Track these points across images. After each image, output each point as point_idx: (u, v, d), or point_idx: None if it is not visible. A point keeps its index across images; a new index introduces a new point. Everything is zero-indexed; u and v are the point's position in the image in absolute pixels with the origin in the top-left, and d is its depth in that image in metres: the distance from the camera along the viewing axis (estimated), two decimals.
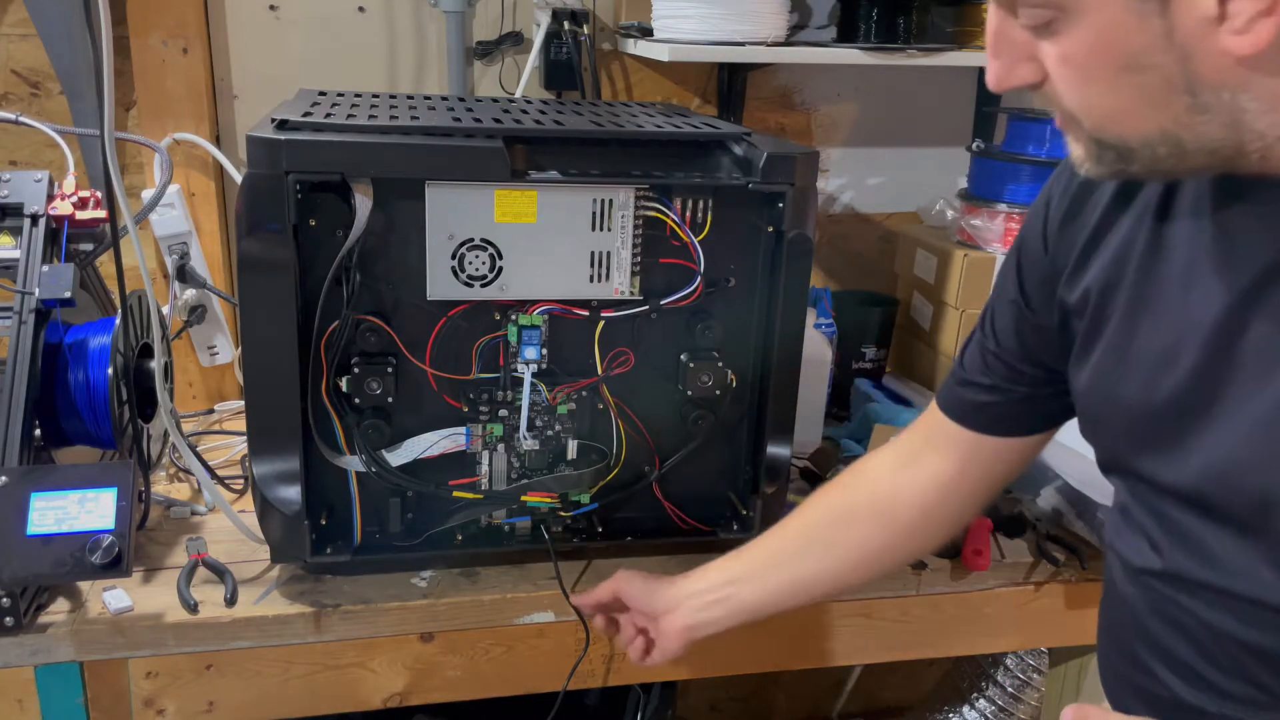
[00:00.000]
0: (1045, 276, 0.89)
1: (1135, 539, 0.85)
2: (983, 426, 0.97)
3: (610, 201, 1.10)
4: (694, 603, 1.08)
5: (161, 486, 1.40)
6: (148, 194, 1.48)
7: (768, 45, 1.58)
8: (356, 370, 1.10)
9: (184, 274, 1.58)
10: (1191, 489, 0.78)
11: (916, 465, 1.01)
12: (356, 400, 1.11)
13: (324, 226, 1.06)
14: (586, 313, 1.14)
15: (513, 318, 1.14)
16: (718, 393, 1.19)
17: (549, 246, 1.10)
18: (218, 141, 1.64)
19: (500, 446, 1.19)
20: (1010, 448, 0.98)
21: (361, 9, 1.66)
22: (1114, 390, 0.82)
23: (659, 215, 1.12)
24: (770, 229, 1.17)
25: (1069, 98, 0.69)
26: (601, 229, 1.11)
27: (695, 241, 1.14)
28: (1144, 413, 0.80)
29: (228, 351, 1.70)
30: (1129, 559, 0.85)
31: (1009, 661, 1.70)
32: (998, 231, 1.67)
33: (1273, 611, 0.75)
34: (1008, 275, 0.94)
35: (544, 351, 1.15)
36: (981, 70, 1.89)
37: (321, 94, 1.33)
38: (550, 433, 1.20)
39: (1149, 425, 0.80)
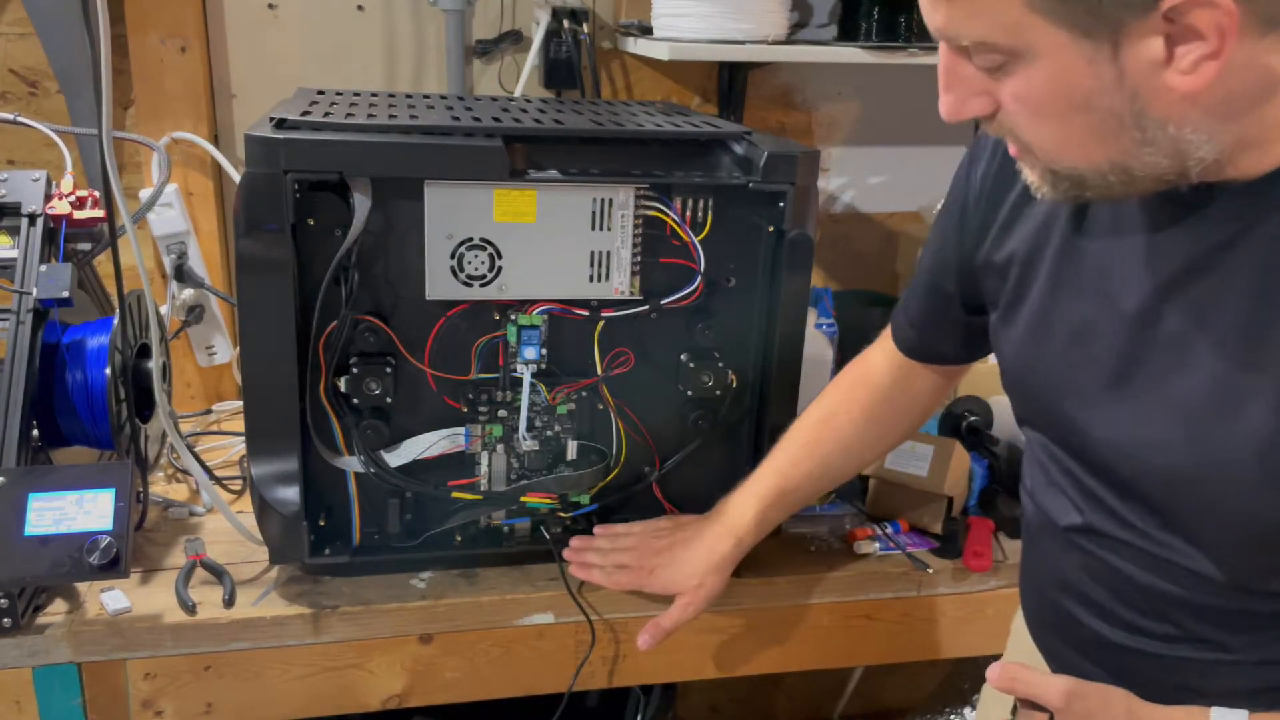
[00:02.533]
0: (973, 231, 0.94)
1: (1056, 496, 0.90)
2: (923, 357, 1.10)
3: (610, 201, 1.10)
4: (753, 536, 1.15)
5: (160, 487, 1.40)
6: (146, 193, 1.47)
7: (768, 44, 1.58)
8: (355, 370, 1.09)
9: (182, 274, 1.58)
10: (1100, 460, 0.83)
11: (913, 373, 1.12)
12: (355, 400, 1.10)
13: (322, 226, 1.05)
14: (586, 313, 1.14)
15: (512, 318, 1.14)
16: (718, 393, 1.18)
17: (548, 246, 1.10)
18: (216, 141, 1.64)
19: (499, 447, 1.19)
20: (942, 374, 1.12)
21: (360, 8, 1.66)
22: (1033, 357, 0.88)
23: (659, 215, 1.12)
24: (771, 228, 1.16)
25: (1023, 133, 0.72)
26: (601, 228, 1.11)
27: (695, 241, 1.13)
28: (1059, 384, 0.85)
29: (226, 351, 1.70)
30: (1051, 514, 0.91)
31: None
32: None
33: (1184, 569, 0.80)
34: (944, 222, 0.99)
35: (543, 351, 1.15)
36: None
37: (320, 93, 1.32)
38: (550, 433, 1.19)
39: (1063, 396, 0.85)
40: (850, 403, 1.15)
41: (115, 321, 1.23)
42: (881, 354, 1.14)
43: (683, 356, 1.18)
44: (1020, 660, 0.95)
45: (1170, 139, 0.68)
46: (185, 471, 1.41)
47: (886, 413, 1.14)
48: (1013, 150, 0.76)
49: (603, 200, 1.10)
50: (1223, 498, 0.75)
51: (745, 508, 1.14)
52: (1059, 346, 0.84)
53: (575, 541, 1.20)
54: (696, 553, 1.13)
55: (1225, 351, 0.73)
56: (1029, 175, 0.76)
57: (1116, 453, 0.81)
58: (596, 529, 1.21)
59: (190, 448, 1.26)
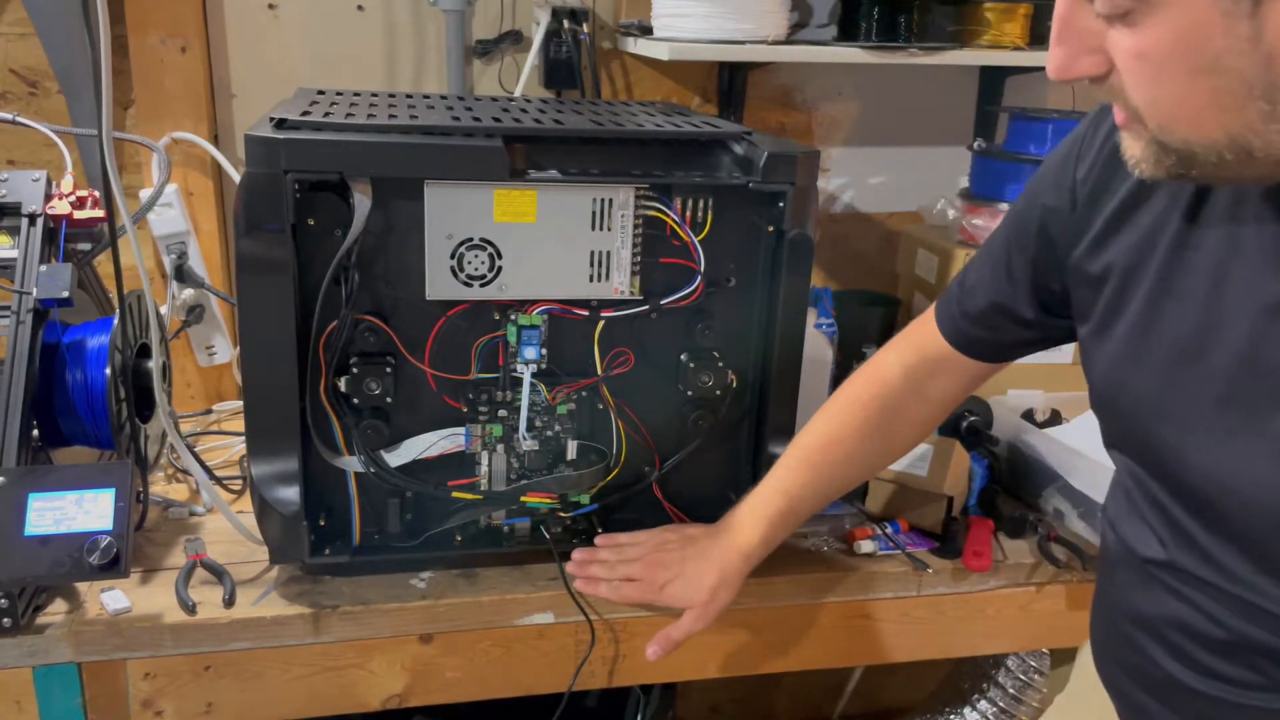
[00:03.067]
0: (1067, 235, 0.88)
1: (1138, 526, 0.85)
2: (989, 358, 1.05)
3: (610, 201, 1.10)
4: (761, 553, 1.14)
5: (160, 487, 1.40)
6: (146, 193, 1.47)
7: (768, 44, 1.58)
8: (355, 370, 1.09)
9: (182, 274, 1.58)
10: (1194, 492, 0.77)
11: (919, 370, 1.10)
12: (355, 400, 1.10)
13: (322, 226, 1.05)
14: (586, 313, 1.14)
15: (512, 318, 1.14)
16: (718, 393, 1.18)
17: (548, 246, 1.10)
18: (216, 141, 1.64)
19: (500, 447, 1.19)
20: (978, 369, 1.07)
21: (360, 8, 1.66)
22: (1129, 375, 0.81)
23: (659, 215, 1.12)
24: (771, 228, 1.16)
25: (1137, 95, 0.66)
26: (601, 229, 1.11)
27: (695, 241, 1.13)
28: (1157, 405, 0.79)
29: (226, 351, 1.70)
30: (1131, 545, 0.86)
31: (1010, 663, 1.69)
32: None
33: (1274, 617, 0.75)
34: (1024, 223, 0.95)
35: (543, 351, 1.15)
36: (982, 69, 1.89)
37: (320, 93, 1.33)
38: (550, 433, 1.19)
39: (1160, 419, 0.79)
40: (858, 413, 1.12)
41: (115, 321, 1.23)
42: (895, 356, 1.12)
43: (683, 356, 1.18)
44: (1083, 696, 0.93)
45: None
46: (185, 471, 1.41)
47: (896, 420, 1.12)
48: (1119, 118, 0.70)
49: (603, 200, 1.10)
50: None
51: (753, 527, 1.13)
52: (1159, 364, 0.78)
53: (578, 555, 1.20)
54: (707, 568, 1.13)
55: None
56: (1131, 149, 0.70)
57: (1214, 485, 0.75)
58: (599, 539, 1.21)
59: (190, 448, 1.26)
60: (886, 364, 1.12)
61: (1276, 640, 0.75)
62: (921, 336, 1.10)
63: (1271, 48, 0.59)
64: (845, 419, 1.13)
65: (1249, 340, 0.71)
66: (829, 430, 1.14)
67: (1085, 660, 1.02)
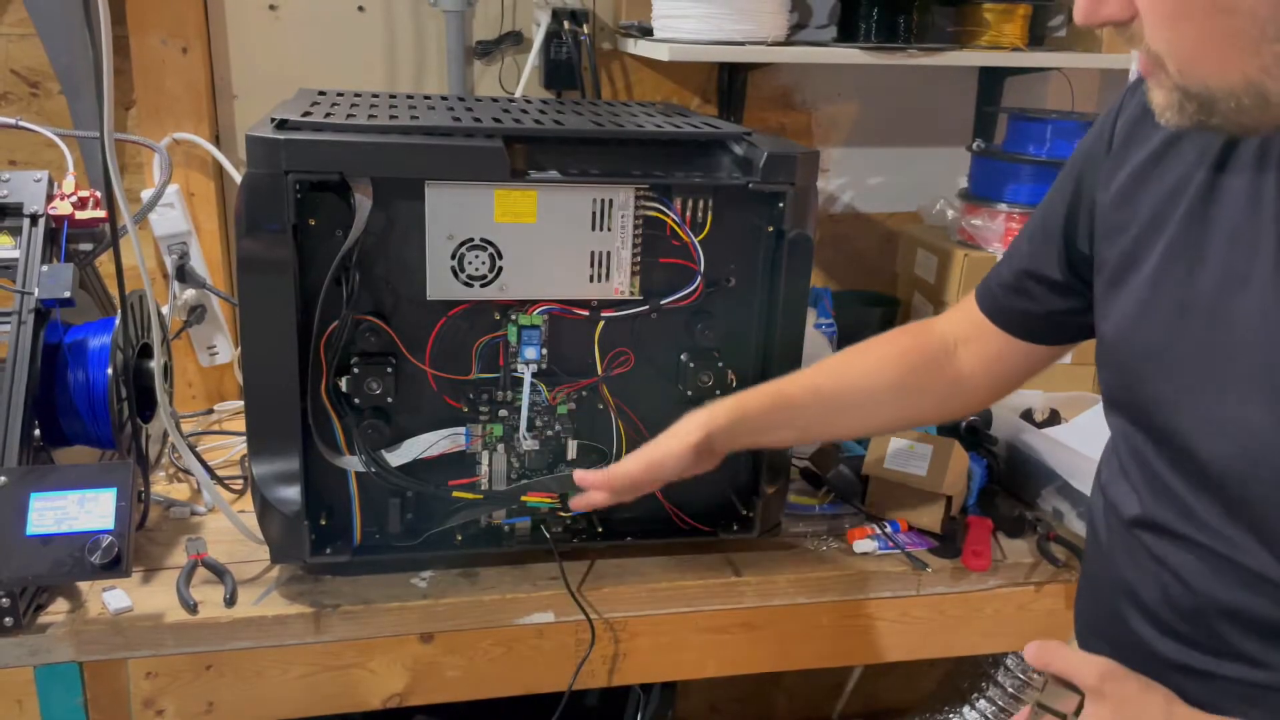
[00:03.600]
0: (1100, 179, 0.89)
1: (1121, 484, 0.87)
2: (1018, 332, 1.01)
3: (610, 201, 1.10)
4: (725, 421, 1.05)
5: (161, 487, 1.40)
6: (147, 194, 1.47)
7: (768, 45, 1.58)
8: (356, 370, 1.10)
9: (183, 274, 1.58)
10: (1180, 442, 0.79)
11: (971, 344, 1.05)
12: (356, 400, 1.11)
13: (324, 226, 1.06)
14: (586, 313, 1.14)
15: (512, 318, 1.14)
16: (718, 393, 1.18)
17: (549, 246, 1.10)
18: (217, 141, 1.64)
19: (500, 446, 1.19)
20: (1026, 351, 1.02)
21: (361, 9, 1.66)
22: (1135, 327, 0.83)
23: (659, 215, 1.12)
24: (770, 229, 1.17)
25: (1157, 37, 0.68)
26: (601, 229, 1.11)
27: (695, 241, 1.13)
28: (1157, 356, 0.80)
29: (227, 351, 1.70)
30: (1116, 505, 0.87)
31: (1009, 662, 1.70)
32: (998, 231, 1.67)
33: (1245, 570, 0.76)
34: (1066, 173, 0.94)
35: (544, 351, 1.15)
36: (982, 70, 1.89)
37: (321, 93, 1.33)
38: (550, 433, 1.20)
39: (1158, 371, 0.80)
40: (896, 342, 1.09)
41: (117, 321, 1.23)
42: (940, 317, 1.09)
43: (683, 356, 1.18)
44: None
45: None
46: (187, 471, 1.41)
47: (931, 370, 1.07)
48: (1143, 66, 0.71)
49: (603, 201, 1.10)
50: None
51: (725, 400, 1.06)
52: (1164, 317, 0.80)
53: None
54: (664, 438, 1.05)
55: None
56: (1156, 97, 0.72)
57: (1201, 431, 0.77)
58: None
59: (192, 447, 1.26)
60: (928, 321, 1.10)
61: (1240, 599, 0.77)
62: (968, 304, 1.07)
63: None
64: (880, 342, 1.10)
65: (1260, 299, 0.73)
66: (858, 348, 1.10)
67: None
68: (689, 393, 1.18)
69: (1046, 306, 0.98)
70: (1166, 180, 0.82)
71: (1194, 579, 0.80)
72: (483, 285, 1.10)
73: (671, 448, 1.03)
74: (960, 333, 1.06)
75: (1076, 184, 0.93)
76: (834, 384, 1.07)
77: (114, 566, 1.04)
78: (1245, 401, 0.74)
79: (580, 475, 1.05)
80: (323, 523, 1.16)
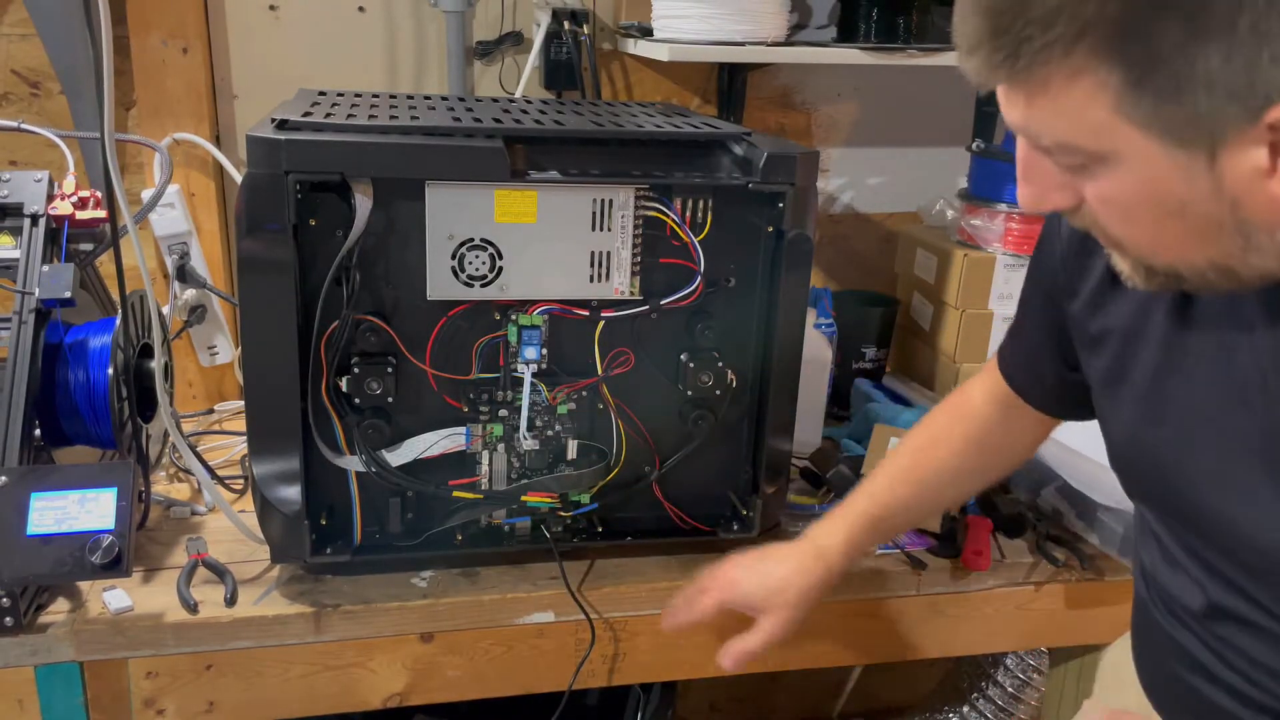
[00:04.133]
0: (1061, 289, 0.88)
1: (1176, 574, 0.84)
2: (1054, 411, 1.02)
3: (610, 201, 1.10)
4: (843, 560, 1.07)
5: (161, 486, 1.40)
6: (148, 194, 1.48)
7: (768, 45, 1.58)
8: (356, 370, 1.10)
9: (184, 274, 1.58)
10: (1225, 543, 0.77)
11: (1014, 408, 1.05)
12: (356, 400, 1.11)
13: (324, 226, 1.06)
14: (586, 313, 1.14)
15: (513, 318, 1.14)
16: (718, 393, 1.19)
17: (549, 246, 1.10)
18: (218, 141, 1.64)
19: (500, 446, 1.19)
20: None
21: (361, 9, 1.66)
22: (1146, 437, 0.80)
23: (659, 215, 1.12)
24: (770, 229, 1.17)
25: (1111, 231, 0.66)
26: (601, 229, 1.11)
27: (695, 241, 1.14)
28: (1179, 463, 0.78)
29: (228, 351, 1.70)
30: (1171, 591, 0.85)
31: (1009, 661, 1.70)
32: (998, 231, 1.67)
33: None
34: (1031, 283, 0.95)
35: (544, 351, 1.15)
36: None
37: (321, 94, 1.33)
38: (550, 433, 1.20)
39: (1183, 477, 0.78)
40: (950, 431, 1.09)
41: (117, 321, 1.23)
42: (981, 387, 1.08)
43: (683, 356, 1.19)
44: (1122, 706, 0.93)
45: (1276, 244, 0.61)
46: (187, 471, 1.42)
47: (988, 445, 1.08)
48: (1102, 240, 0.70)
49: (603, 201, 1.10)
50: None
51: (834, 531, 1.07)
52: (1176, 427, 0.77)
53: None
54: (786, 568, 1.05)
55: None
56: (1120, 265, 0.70)
57: (1240, 538, 0.75)
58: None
59: (192, 447, 1.27)
60: (973, 392, 1.10)
61: None
62: (996, 376, 1.06)
63: (1235, 195, 0.59)
64: (939, 429, 1.11)
65: (1264, 404, 0.70)
66: (921, 440, 1.11)
67: (1112, 664, 1.03)
68: (689, 393, 1.18)
69: (1069, 390, 0.96)
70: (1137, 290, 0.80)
71: (1267, 659, 0.78)
72: (483, 285, 1.10)
73: (803, 608, 1.05)
74: (1000, 402, 1.06)
75: (1046, 296, 0.92)
76: (917, 493, 1.10)
77: (114, 566, 1.04)
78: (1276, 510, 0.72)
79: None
80: (323, 522, 1.16)
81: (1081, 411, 0.96)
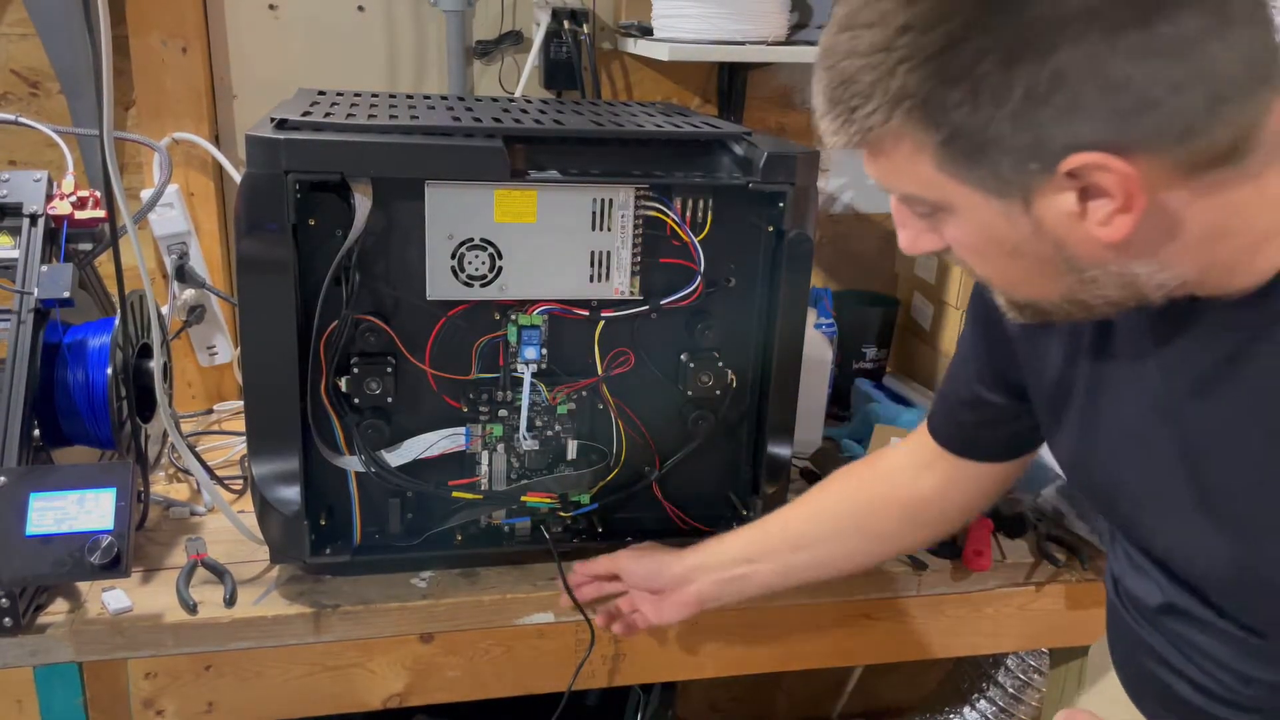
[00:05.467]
0: (996, 335, 0.91)
1: (1140, 578, 0.88)
2: (961, 451, 1.01)
3: (610, 201, 1.10)
4: (711, 577, 1.11)
5: (160, 487, 1.40)
6: (147, 194, 1.47)
7: (768, 44, 1.58)
8: (356, 370, 1.09)
9: (183, 274, 1.58)
10: (1168, 560, 0.83)
11: (932, 470, 1.04)
12: (356, 400, 1.11)
13: (323, 226, 1.06)
14: (586, 313, 1.14)
15: (512, 318, 1.14)
16: (718, 393, 1.19)
17: (549, 246, 1.10)
18: (217, 141, 1.64)
19: (500, 447, 1.19)
20: (988, 471, 1.01)
21: (361, 8, 1.66)
22: (1087, 460, 0.85)
23: (659, 215, 1.12)
24: (770, 229, 1.16)
25: (973, 270, 0.72)
26: (601, 229, 1.11)
27: (695, 241, 1.13)
28: (1115, 484, 0.83)
29: (227, 351, 1.70)
30: (1136, 595, 0.89)
31: (1010, 662, 1.70)
32: None
33: (1271, 651, 0.78)
34: (973, 323, 0.97)
35: (544, 351, 1.15)
36: None
37: (321, 93, 1.33)
38: (550, 433, 1.20)
39: (1120, 497, 0.83)
40: (846, 477, 1.11)
41: (116, 321, 1.23)
42: (895, 455, 1.09)
43: (683, 356, 1.18)
44: (1105, 702, 0.95)
45: (1113, 275, 0.66)
46: (186, 471, 1.41)
47: (878, 505, 1.08)
48: (974, 279, 0.77)
49: (603, 200, 1.10)
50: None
51: (709, 570, 1.11)
52: (1107, 449, 0.81)
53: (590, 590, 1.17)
54: (682, 566, 1.12)
55: (1250, 461, 0.70)
56: (997, 300, 0.76)
57: (1173, 550, 0.80)
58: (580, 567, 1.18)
59: (191, 447, 1.26)
60: (889, 448, 1.11)
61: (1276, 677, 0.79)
62: (921, 434, 1.07)
63: (1056, 237, 0.64)
64: (830, 484, 1.12)
65: (1179, 431, 0.74)
66: (811, 497, 1.12)
67: (1099, 654, 1.04)
68: (689, 393, 1.18)
69: (999, 430, 0.97)
70: (1060, 331, 0.83)
71: (1231, 660, 0.81)
72: (483, 285, 1.10)
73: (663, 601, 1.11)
74: (918, 460, 1.05)
75: (984, 325, 0.93)
76: (797, 526, 1.11)
77: (114, 566, 1.04)
78: (1198, 532, 0.75)
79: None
80: (322, 523, 1.16)
81: (1019, 450, 0.99)
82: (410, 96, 1.37)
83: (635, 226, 1.12)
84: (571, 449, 1.21)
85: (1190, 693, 0.85)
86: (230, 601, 1.13)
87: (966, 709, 1.76)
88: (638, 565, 1.14)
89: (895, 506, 1.07)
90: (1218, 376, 0.70)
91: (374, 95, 1.35)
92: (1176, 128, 0.58)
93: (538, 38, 1.67)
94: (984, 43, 0.57)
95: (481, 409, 1.17)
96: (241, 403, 1.14)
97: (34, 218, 1.24)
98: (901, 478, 1.07)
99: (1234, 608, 0.79)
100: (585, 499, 1.22)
